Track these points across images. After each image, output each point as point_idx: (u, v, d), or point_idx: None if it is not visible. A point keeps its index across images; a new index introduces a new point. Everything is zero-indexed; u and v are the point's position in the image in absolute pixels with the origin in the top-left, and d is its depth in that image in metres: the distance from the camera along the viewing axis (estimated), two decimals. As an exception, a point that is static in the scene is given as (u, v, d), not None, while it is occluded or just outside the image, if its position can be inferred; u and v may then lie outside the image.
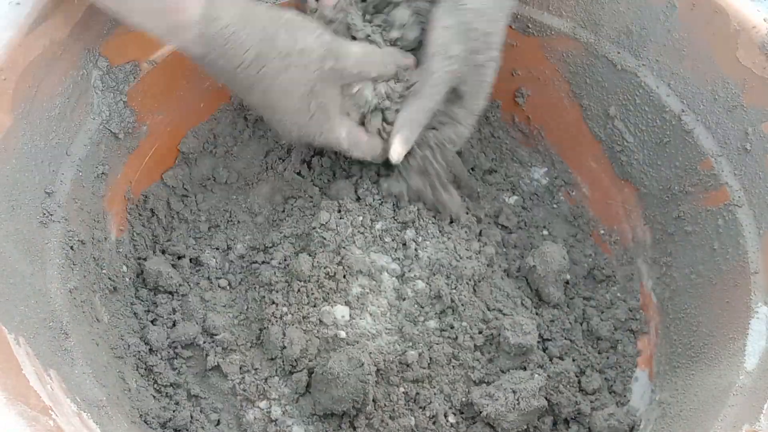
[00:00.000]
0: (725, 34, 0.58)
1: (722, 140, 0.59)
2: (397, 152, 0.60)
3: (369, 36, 0.60)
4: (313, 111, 0.57)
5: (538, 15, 0.68)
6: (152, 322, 0.61)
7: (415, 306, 0.61)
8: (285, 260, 0.63)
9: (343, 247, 0.61)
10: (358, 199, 0.64)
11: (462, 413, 0.60)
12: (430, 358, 0.59)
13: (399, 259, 0.62)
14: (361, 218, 0.63)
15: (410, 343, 0.59)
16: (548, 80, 0.71)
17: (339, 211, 0.63)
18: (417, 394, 0.59)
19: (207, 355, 0.60)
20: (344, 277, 0.61)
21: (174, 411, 0.57)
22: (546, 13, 0.68)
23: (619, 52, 0.65)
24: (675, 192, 0.64)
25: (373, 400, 0.58)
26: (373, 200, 0.64)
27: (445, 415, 0.59)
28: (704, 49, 0.60)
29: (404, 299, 0.61)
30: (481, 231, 0.68)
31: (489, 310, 0.63)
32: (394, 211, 0.63)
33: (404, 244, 0.62)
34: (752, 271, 0.55)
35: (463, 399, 0.59)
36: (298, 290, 0.60)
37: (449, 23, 0.59)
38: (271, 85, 0.55)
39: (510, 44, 0.70)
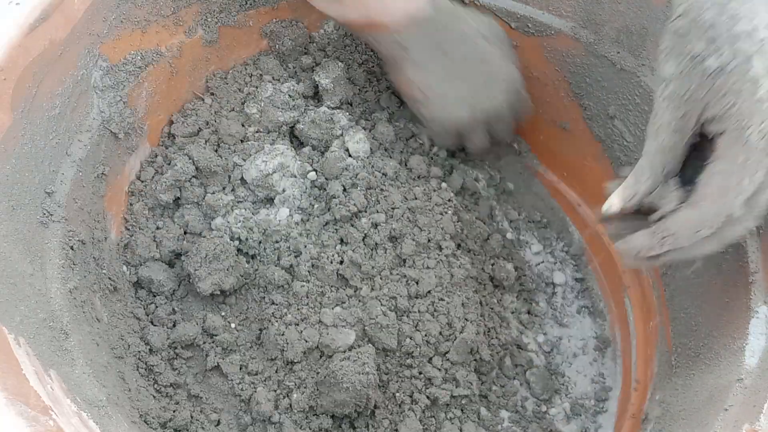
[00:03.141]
0: (725, 33, 0.58)
1: (722, 140, 0.59)
2: (611, 203, 0.49)
3: None
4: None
5: (538, 15, 0.68)
6: (152, 322, 0.61)
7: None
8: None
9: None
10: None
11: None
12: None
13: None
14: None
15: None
16: (548, 80, 0.71)
17: None
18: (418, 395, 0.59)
19: (207, 355, 0.60)
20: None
21: (174, 411, 0.57)
22: (546, 13, 0.68)
23: (619, 52, 0.65)
24: (675, 192, 0.63)
25: (375, 406, 0.58)
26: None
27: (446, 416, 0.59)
28: (704, 49, 0.59)
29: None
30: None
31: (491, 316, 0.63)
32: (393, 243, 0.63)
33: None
34: (752, 270, 0.55)
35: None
36: (299, 290, 0.60)
37: (662, 46, 0.45)
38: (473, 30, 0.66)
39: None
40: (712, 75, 0.42)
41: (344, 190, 0.63)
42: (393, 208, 0.63)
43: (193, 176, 0.63)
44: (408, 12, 0.63)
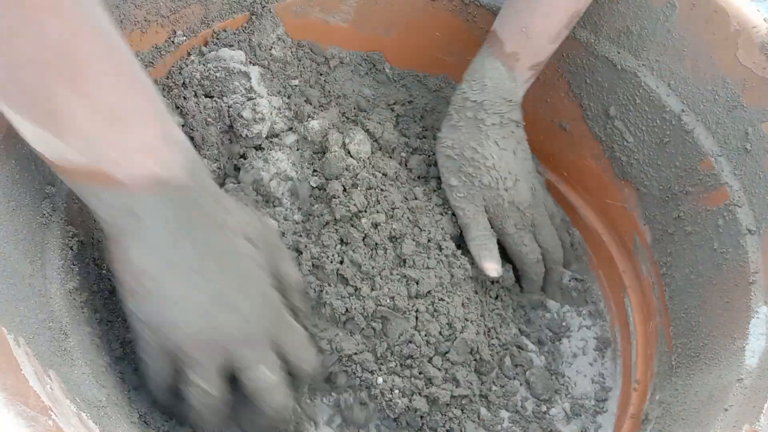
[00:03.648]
0: (725, 34, 0.58)
1: (722, 140, 0.59)
2: (491, 269, 0.65)
3: None
4: (263, 272, 0.50)
5: (538, 15, 0.68)
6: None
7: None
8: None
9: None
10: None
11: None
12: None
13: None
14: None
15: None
16: (548, 80, 0.71)
17: None
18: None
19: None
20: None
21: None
22: (546, 13, 0.67)
23: (619, 52, 0.65)
24: (675, 192, 0.64)
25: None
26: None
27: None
28: (704, 49, 0.60)
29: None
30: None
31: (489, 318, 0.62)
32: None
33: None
34: (752, 270, 0.55)
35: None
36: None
37: (440, 162, 0.67)
38: (234, 225, 0.48)
39: (510, 44, 0.70)
40: (487, 187, 0.65)
41: (344, 190, 0.63)
42: (393, 209, 0.63)
43: None
44: (155, 172, 0.42)
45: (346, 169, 0.64)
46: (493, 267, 0.65)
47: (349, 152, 0.66)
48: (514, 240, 0.67)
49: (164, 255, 0.45)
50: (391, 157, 0.69)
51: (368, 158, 0.66)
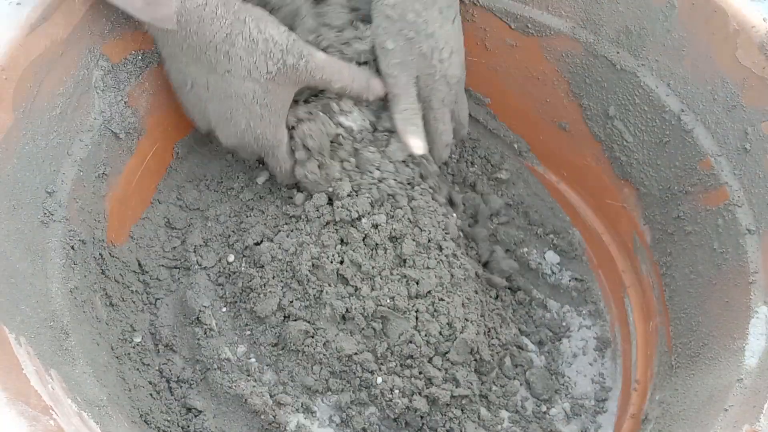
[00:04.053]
0: (724, 33, 0.58)
1: (721, 140, 0.59)
2: (417, 146, 0.63)
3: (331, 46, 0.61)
4: (262, 110, 0.58)
5: (537, 15, 0.68)
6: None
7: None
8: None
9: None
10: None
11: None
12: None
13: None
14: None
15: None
16: (548, 80, 0.71)
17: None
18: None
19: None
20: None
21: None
22: (545, 13, 0.68)
23: (618, 52, 0.65)
24: (675, 192, 0.64)
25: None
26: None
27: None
28: (704, 49, 0.60)
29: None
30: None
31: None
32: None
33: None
34: (752, 270, 0.55)
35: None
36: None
37: (377, 23, 0.61)
38: (235, 69, 0.56)
39: (510, 44, 0.70)
40: (423, 56, 0.61)
41: (350, 190, 0.62)
42: (394, 209, 0.63)
43: None
44: (147, 21, 0.55)
45: (371, 173, 0.63)
46: (418, 144, 0.63)
47: (384, 151, 0.65)
48: (435, 116, 0.64)
49: (173, 75, 0.60)
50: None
51: (399, 162, 0.65)
